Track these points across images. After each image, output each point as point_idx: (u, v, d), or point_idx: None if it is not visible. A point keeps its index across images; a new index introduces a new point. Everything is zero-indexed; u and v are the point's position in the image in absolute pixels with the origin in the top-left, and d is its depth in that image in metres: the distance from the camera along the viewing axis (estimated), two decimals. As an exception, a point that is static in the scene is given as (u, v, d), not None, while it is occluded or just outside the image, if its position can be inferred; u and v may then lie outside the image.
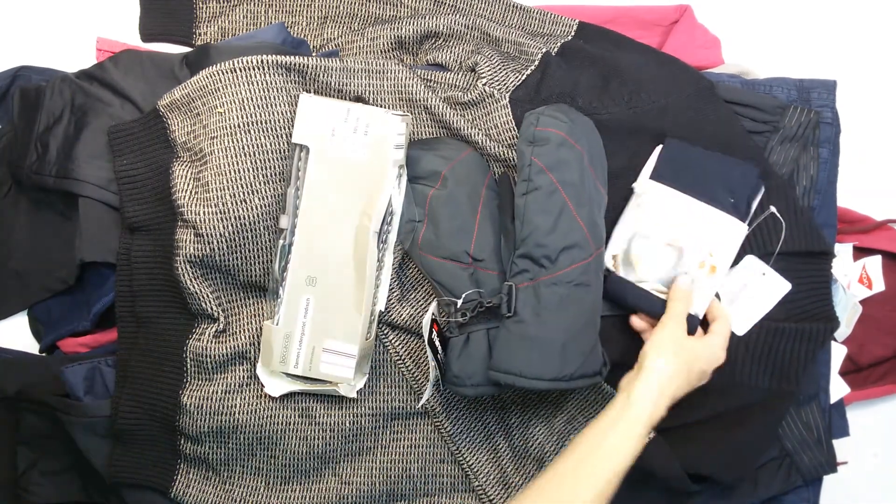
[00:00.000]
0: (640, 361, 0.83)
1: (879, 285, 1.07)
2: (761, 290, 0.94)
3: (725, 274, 0.91)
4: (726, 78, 1.02)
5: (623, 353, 0.93)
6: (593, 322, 0.87)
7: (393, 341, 0.94)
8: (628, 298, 0.90)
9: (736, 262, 0.93)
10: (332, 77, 0.93)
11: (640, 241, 0.91)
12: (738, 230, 0.90)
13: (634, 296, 0.90)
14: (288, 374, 0.92)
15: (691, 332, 0.89)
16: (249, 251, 0.90)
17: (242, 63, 0.89)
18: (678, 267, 0.90)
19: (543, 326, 0.84)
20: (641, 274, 0.90)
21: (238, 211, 0.87)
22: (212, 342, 0.90)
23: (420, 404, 0.88)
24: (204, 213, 0.88)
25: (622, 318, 0.94)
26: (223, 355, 0.90)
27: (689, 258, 0.90)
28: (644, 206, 0.91)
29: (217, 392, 0.90)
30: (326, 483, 0.95)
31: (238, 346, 0.91)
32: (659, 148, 0.93)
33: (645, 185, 0.92)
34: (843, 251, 1.05)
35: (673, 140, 0.93)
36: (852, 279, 1.07)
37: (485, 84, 0.96)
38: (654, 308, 0.90)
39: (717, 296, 0.93)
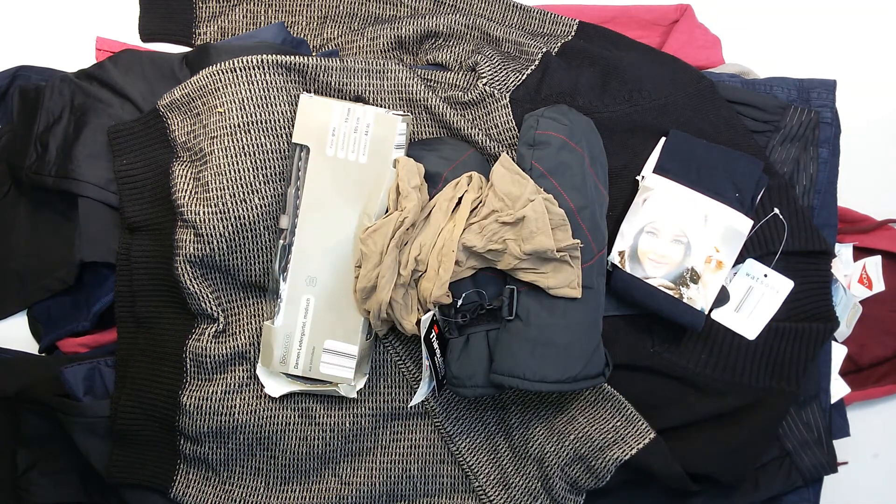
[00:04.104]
0: None
1: (879, 285, 1.07)
2: (766, 292, 0.94)
3: (731, 269, 0.91)
4: (726, 78, 1.02)
5: (626, 354, 0.93)
6: (596, 324, 0.87)
7: (393, 341, 0.94)
8: (635, 294, 0.91)
9: (737, 261, 0.93)
10: (332, 77, 0.93)
11: (648, 237, 0.91)
12: (743, 225, 0.90)
13: (642, 292, 0.90)
14: (288, 375, 0.92)
15: (699, 328, 0.89)
16: (249, 251, 0.90)
17: (242, 63, 0.89)
18: (685, 262, 0.90)
19: (546, 329, 0.84)
20: (649, 270, 0.90)
21: (238, 211, 0.87)
22: (211, 342, 0.90)
23: (413, 401, 0.88)
24: (204, 213, 0.87)
25: (624, 318, 0.94)
26: (223, 355, 0.90)
27: (696, 253, 0.90)
28: (651, 201, 0.91)
29: (217, 392, 0.90)
30: (326, 483, 0.95)
31: (238, 347, 0.91)
32: (662, 140, 0.94)
33: (651, 180, 0.92)
34: (843, 251, 1.05)
35: (677, 132, 0.93)
36: (852, 279, 1.07)
37: (485, 84, 0.96)
38: (661, 305, 0.90)
39: (726, 296, 0.94)
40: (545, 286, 0.84)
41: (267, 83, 0.89)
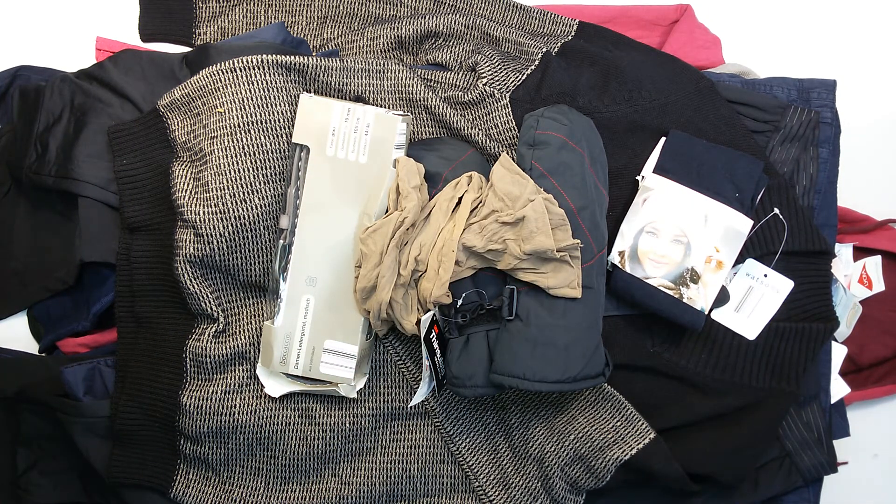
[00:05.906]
0: None
1: (879, 285, 1.07)
2: (766, 292, 0.94)
3: (731, 269, 0.91)
4: (726, 78, 1.02)
5: (626, 354, 0.93)
6: (596, 324, 0.87)
7: (393, 341, 0.94)
8: (635, 294, 0.91)
9: (737, 261, 0.93)
10: (332, 77, 0.93)
11: (648, 237, 0.91)
12: (743, 225, 0.91)
13: (642, 292, 0.90)
14: (288, 375, 0.92)
15: (699, 328, 0.89)
16: (249, 251, 0.90)
17: (242, 63, 0.89)
18: (685, 262, 0.90)
19: (546, 329, 0.84)
20: (649, 270, 0.90)
21: (238, 211, 0.87)
22: (211, 342, 0.90)
23: (413, 401, 0.88)
24: (204, 213, 0.87)
25: (624, 318, 0.94)
26: (223, 355, 0.90)
27: (696, 254, 0.90)
28: (651, 201, 0.91)
29: (217, 392, 0.90)
30: (326, 483, 0.95)
31: (238, 347, 0.91)
32: (662, 140, 0.94)
33: (651, 180, 0.92)
34: (843, 251, 1.05)
35: (677, 132, 0.93)
36: (852, 279, 1.07)
37: (485, 84, 0.96)
38: (661, 305, 0.90)
39: (726, 297, 0.94)
40: (545, 286, 0.84)
41: (267, 83, 0.89)
